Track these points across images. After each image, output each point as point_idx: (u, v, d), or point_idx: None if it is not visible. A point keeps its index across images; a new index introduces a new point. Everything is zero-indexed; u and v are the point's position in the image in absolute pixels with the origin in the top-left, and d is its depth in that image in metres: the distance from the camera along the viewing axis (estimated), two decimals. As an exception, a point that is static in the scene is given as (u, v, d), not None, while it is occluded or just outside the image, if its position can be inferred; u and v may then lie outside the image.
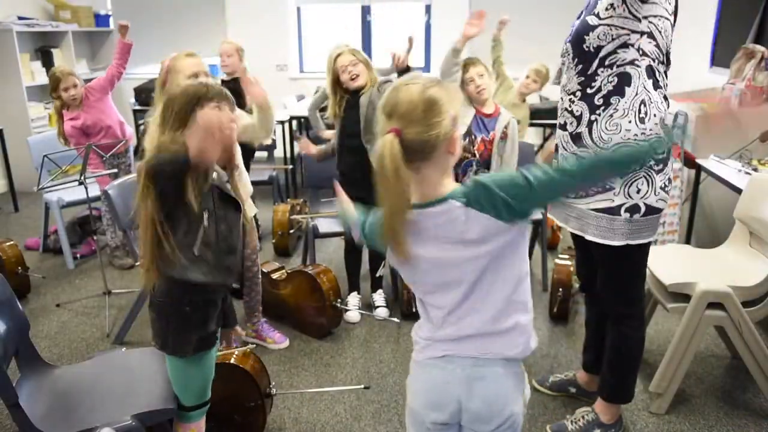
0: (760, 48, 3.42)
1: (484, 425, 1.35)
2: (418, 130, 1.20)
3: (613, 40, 1.82)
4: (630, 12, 1.80)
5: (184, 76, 2.33)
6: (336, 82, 2.91)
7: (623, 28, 1.81)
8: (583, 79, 1.91)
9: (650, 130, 1.86)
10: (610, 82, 1.86)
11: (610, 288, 2.09)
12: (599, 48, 1.84)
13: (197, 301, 1.69)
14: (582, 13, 1.95)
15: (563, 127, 2.00)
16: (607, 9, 1.82)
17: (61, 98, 3.70)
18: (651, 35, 1.82)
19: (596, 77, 1.88)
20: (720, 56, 4.20)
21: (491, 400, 1.34)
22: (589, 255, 2.11)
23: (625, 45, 1.82)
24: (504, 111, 2.74)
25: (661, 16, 1.82)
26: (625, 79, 1.85)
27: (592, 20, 1.85)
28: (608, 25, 1.82)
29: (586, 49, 1.87)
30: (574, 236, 2.27)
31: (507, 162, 2.71)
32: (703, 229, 3.57)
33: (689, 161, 3.37)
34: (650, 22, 1.81)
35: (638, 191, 1.88)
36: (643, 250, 1.99)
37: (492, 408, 1.34)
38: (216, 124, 1.47)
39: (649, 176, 1.88)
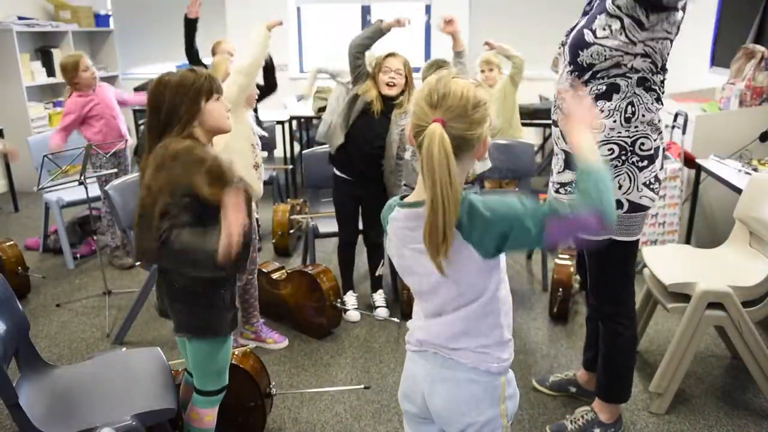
0: (760, 48, 3.43)
1: (447, 426, 1.36)
2: (461, 126, 1.17)
3: (606, 60, 1.82)
4: (627, 37, 1.78)
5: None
6: (373, 77, 2.88)
7: (617, 50, 1.79)
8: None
9: (635, 128, 1.87)
10: (599, 89, 1.87)
11: (598, 287, 2.10)
12: (592, 65, 1.85)
13: (229, 283, 1.79)
14: (584, 13, 1.93)
15: (555, 123, 2.04)
16: (603, 29, 1.80)
17: (79, 83, 3.64)
18: (646, 55, 1.81)
19: (587, 84, 1.90)
20: (720, 56, 4.20)
21: (448, 405, 1.32)
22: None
23: (617, 65, 1.82)
24: None
25: (660, 39, 1.80)
26: (613, 88, 1.86)
27: (588, 37, 1.83)
28: (603, 45, 1.80)
29: (580, 62, 1.87)
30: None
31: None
32: (703, 229, 3.57)
33: (689, 161, 3.37)
34: (646, 45, 1.79)
35: (620, 187, 1.90)
36: (629, 248, 2.00)
37: (450, 412, 1.33)
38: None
39: (632, 172, 1.90)
